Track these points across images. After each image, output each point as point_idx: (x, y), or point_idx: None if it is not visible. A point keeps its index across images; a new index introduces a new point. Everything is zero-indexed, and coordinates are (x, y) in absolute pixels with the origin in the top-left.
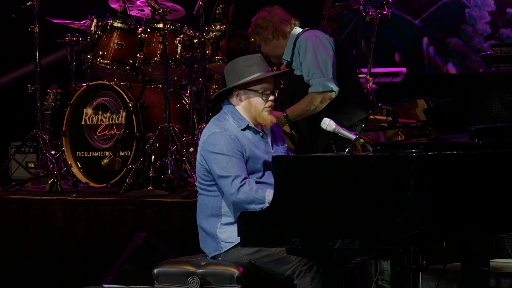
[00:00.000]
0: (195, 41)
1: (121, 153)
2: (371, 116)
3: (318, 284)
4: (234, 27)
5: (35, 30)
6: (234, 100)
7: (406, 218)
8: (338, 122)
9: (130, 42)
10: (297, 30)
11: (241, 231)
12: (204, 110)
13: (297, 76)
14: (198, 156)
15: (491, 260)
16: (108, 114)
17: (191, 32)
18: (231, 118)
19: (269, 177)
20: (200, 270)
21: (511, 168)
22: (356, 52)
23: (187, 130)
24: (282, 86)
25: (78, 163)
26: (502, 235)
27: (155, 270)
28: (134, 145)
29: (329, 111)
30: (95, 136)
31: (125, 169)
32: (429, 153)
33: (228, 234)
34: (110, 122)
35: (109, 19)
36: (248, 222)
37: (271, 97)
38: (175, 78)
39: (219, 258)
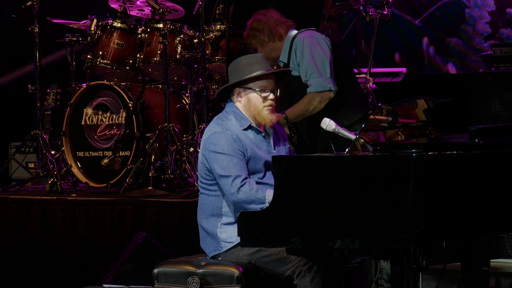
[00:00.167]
0: (195, 41)
1: (121, 153)
2: (371, 116)
3: (318, 284)
4: (234, 27)
5: (35, 30)
6: (235, 98)
7: (406, 218)
8: (337, 122)
9: (130, 42)
10: (293, 31)
11: (241, 231)
12: (204, 110)
13: (294, 77)
14: (199, 155)
15: (491, 260)
16: (108, 114)
17: (191, 32)
18: (233, 118)
19: (270, 178)
20: (200, 270)
21: (511, 168)
22: (356, 52)
23: (187, 130)
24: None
25: (78, 163)
26: (502, 235)
27: (155, 270)
28: (134, 145)
29: (328, 111)
30: (95, 136)
31: (125, 169)
32: (429, 153)
33: (228, 234)
34: (110, 122)
35: (109, 19)
36: (248, 222)
37: (271, 96)
38: (175, 78)
39: (219, 258)
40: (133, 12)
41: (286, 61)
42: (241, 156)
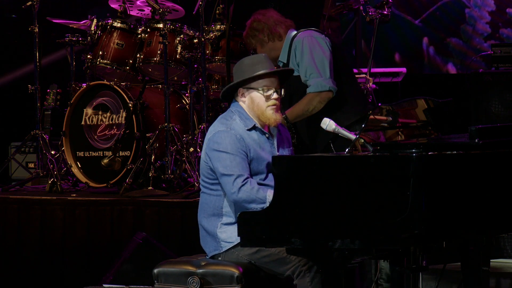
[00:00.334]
0: (195, 41)
1: (121, 153)
2: (371, 116)
3: (318, 284)
4: (234, 27)
5: (35, 30)
6: (239, 99)
7: (406, 218)
8: (337, 122)
9: (130, 42)
10: (292, 31)
11: (241, 231)
12: (204, 110)
13: (294, 77)
14: (202, 154)
15: (491, 260)
16: (108, 114)
17: (191, 32)
18: (238, 118)
19: (272, 179)
20: (200, 270)
21: (511, 168)
22: (356, 52)
23: (187, 130)
24: None
25: (78, 163)
26: (502, 235)
27: (155, 270)
28: (134, 145)
29: (327, 111)
30: (95, 136)
31: (125, 169)
32: (429, 153)
33: (228, 234)
34: (110, 122)
35: (109, 19)
36: (248, 222)
37: (274, 95)
38: (175, 78)
39: (219, 258)
40: (133, 12)
41: (285, 61)
42: (244, 156)
